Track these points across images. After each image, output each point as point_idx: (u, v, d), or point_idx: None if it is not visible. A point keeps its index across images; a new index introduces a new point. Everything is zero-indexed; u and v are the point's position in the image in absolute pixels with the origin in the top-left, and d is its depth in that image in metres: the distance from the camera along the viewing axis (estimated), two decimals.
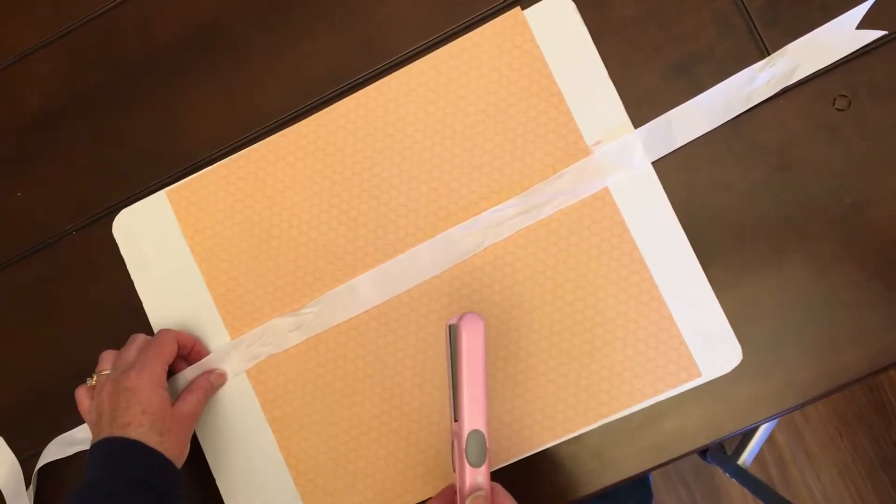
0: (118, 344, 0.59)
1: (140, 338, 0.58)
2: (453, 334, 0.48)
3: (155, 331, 0.61)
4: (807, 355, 0.55)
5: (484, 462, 0.48)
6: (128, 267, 0.63)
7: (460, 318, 0.48)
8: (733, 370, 0.55)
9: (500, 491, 0.49)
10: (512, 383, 0.57)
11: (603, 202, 0.57)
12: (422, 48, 0.60)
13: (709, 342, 0.55)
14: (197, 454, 0.60)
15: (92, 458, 0.53)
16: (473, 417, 0.48)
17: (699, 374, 0.55)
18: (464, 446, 0.47)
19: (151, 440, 0.52)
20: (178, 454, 0.55)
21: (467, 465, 0.48)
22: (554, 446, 0.57)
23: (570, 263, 0.57)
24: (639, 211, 0.56)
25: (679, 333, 0.55)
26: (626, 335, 0.56)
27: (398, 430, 0.58)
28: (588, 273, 0.57)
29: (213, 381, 0.59)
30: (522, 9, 0.58)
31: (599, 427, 0.56)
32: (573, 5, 0.57)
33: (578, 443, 0.57)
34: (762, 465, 1.24)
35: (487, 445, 0.48)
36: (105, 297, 0.63)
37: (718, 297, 0.55)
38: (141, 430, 0.52)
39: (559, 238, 0.57)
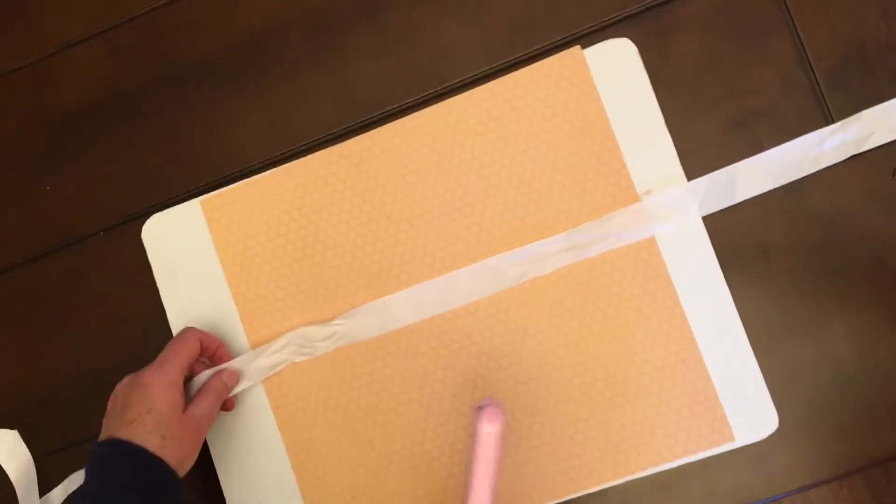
0: (136, 349, 0.57)
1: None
2: (477, 419, 0.47)
3: None
4: (844, 429, 0.53)
5: None
6: (154, 273, 0.61)
7: (483, 409, 0.46)
8: (767, 437, 0.54)
9: None
10: (539, 429, 0.55)
11: (648, 252, 0.55)
12: (475, 78, 0.58)
13: (745, 406, 0.54)
14: (209, 470, 0.59)
15: (90, 462, 0.51)
16: None
17: (732, 438, 0.54)
18: None
19: (151, 443, 0.50)
20: (179, 460, 0.51)
21: None
22: (576, 498, 0.55)
23: (609, 312, 0.55)
24: (684, 264, 0.55)
25: (715, 394, 0.54)
26: (661, 391, 0.55)
27: (418, 466, 0.57)
28: (627, 322, 0.55)
29: (227, 381, 0.57)
30: (583, 47, 0.57)
31: (624, 483, 0.55)
32: (635, 49, 0.56)
33: (602, 497, 0.55)
34: None
35: None
36: (128, 301, 0.62)
37: (758, 361, 0.54)
38: (143, 429, 0.50)
39: (601, 280, 0.56)
